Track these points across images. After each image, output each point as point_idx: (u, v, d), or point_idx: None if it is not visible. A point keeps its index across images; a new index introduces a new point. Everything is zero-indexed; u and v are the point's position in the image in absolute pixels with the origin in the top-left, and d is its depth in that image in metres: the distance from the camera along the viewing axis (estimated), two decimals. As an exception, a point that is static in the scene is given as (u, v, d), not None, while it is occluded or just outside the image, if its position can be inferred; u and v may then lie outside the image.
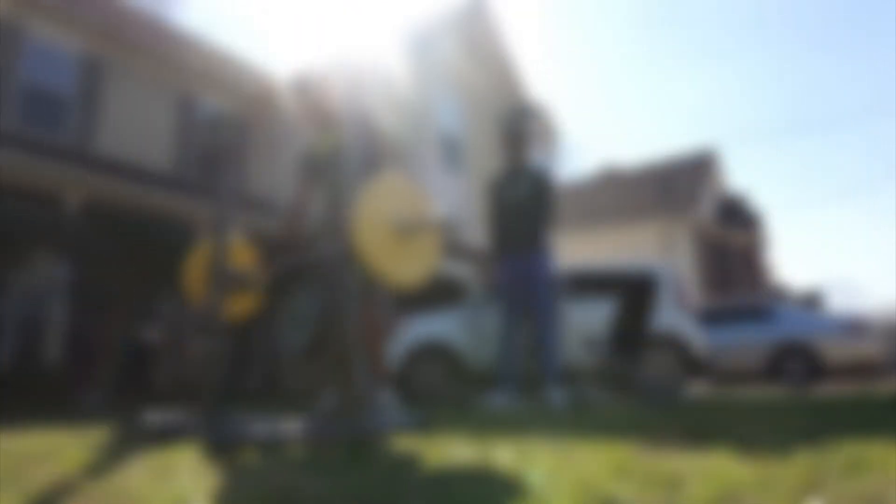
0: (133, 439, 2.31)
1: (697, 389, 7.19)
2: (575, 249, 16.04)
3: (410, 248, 2.33)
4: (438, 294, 6.79)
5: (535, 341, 4.37)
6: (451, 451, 1.93)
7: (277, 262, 2.88)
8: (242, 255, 2.96)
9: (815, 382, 7.91)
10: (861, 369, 8.13)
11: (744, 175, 50.22)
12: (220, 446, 1.95)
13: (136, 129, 9.52)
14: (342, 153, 2.45)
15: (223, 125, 10.79)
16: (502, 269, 4.51)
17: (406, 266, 2.33)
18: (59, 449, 2.05)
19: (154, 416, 2.59)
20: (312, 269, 2.78)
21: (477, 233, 10.58)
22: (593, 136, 49.32)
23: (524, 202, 4.45)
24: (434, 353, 5.68)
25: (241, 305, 2.91)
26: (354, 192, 2.25)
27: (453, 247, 8.77)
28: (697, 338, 5.60)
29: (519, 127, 4.69)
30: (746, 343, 8.36)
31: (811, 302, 16.57)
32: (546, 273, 4.41)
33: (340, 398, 2.30)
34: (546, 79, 50.74)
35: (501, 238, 4.53)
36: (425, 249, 2.42)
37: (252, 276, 2.86)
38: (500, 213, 4.55)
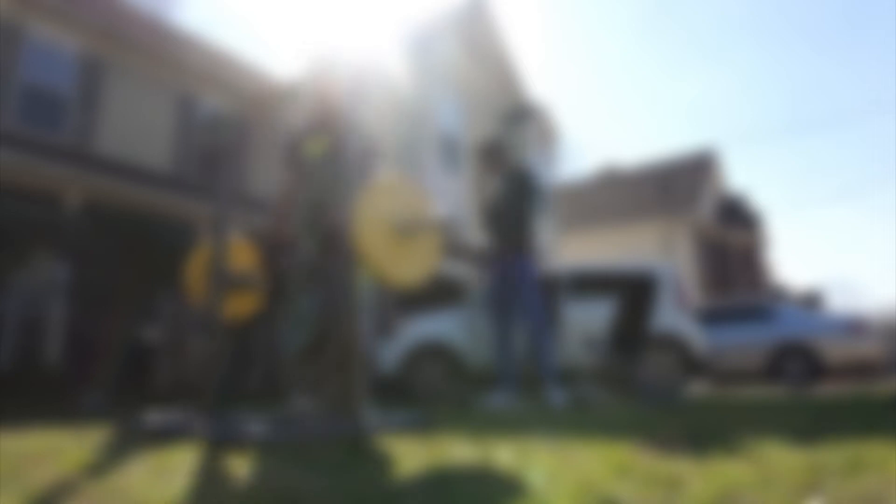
0: (133, 439, 2.31)
1: (697, 389, 7.19)
2: (575, 249, 16.04)
3: (411, 249, 2.34)
4: (438, 294, 6.79)
5: (529, 343, 4.38)
6: (451, 451, 1.93)
7: (286, 263, 2.88)
8: (243, 255, 2.96)
9: (815, 382, 7.90)
10: (861, 369, 8.12)
11: (744, 175, 50.25)
12: (220, 446, 1.95)
13: (136, 129, 9.52)
14: (339, 156, 2.44)
15: (223, 125, 10.78)
16: (491, 272, 4.56)
17: (407, 266, 2.35)
18: (59, 449, 2.05)
19: (154, 416, 2.59)
20: (312, 271, 2.78)
21: (477, 233, 10.58)
22: (593, 136, 49.32)
23: (505, 203, 4.48)
24: (434, 353, 5.68)
25: (242, 305, 2.91)
26: (350, 196, 2.26)
27: (453, 247, 8.77)
28: (697, 338, 5.60)
29: (493, 145, 4.72)
30: (746, 343, 8.35)
31: (811, 302, 16.54)
32: (529, 275, 4.39)
33: (333, 399, 2.30)
34: (546, 79, 50.74)
35: (490, 243, 4.60)
36: (426, 249, 2.44)
37: (252, 276, 2.86)
38: (487, 219, 4.61)
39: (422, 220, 2.41)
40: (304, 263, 2.65)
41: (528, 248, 4.42)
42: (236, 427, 2.20)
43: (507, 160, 4.68)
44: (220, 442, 2.03)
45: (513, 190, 4.48)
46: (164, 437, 2.26)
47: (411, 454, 1.91)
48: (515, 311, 4.42)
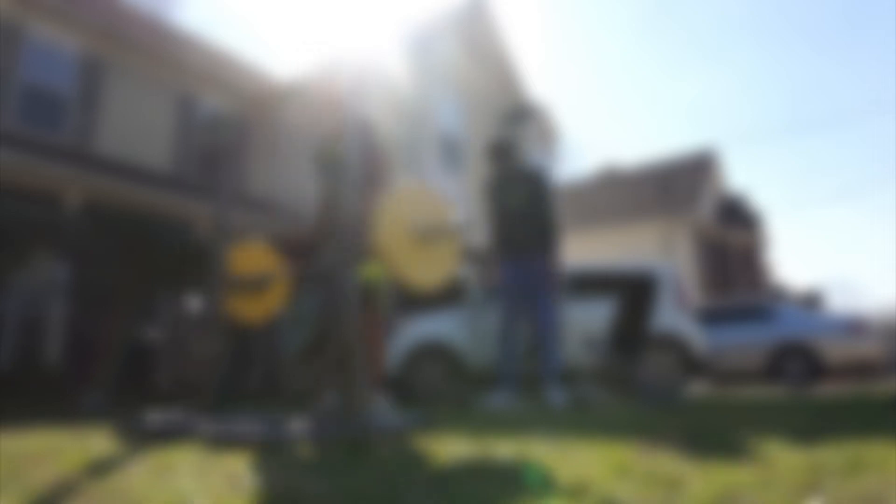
0: (133, 439, 2.31)
1: (697, 389, 7.19)
2: (575, 249, 16.02)
3: (431, 254, 2.43)
4: (438, 294, 6.73)
5: (535, 342, 4.37)
6: (451, 451, 1.93)
7: (302, 266, 2.93)
8: (264, 259, 3.03)
9: (815, 382, 7.90)
10: (861, 369, 8.12)
11: (744, 175, 50.18)
12: (220, 446, 1.95)
13: (136, 129, 9.52)
14: (343, 157, 2.47)
15: (223, 125, 10.78)
16: (505, 271, 4.52)
17: (426, 269, 2.47)
18: (59, 449, 2.05)
19: (154, 416, 2.60)
20: (314, 272, 2.80)
21: (477, 233, 10.56)
22: (593, 136, 49.28)
23: (524, 206, 4.46)
24: (434, 353, 5.68)
25: (262, 306, 2.98)
26: (354, 198, 2.29)
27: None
28: (697, 338, 5.60)
29: (503, 142, 4.73)
30: (746, 343, 8.35)
31: (811, 302, 16.55)
32: (549, 276, 4.42)
33: (341, 398, 2.31)
34: (546, 78, 50.71)
35: (504, 243, 4.55)
36: (445, 254, 2.53)
37: (269, 278, 2.92)
38: (500, 219, 4.57)
39: (443, 227, 2.49)
40: (324, 266, 2.70)
41: (549, 249, 4.45)
42: (236, 427, 2.20)
43: (517, 158, 4.70)
44: (220, 442, 2.03)
45: (532, 191, 4.49)
46: (164, 437, 2.26)
47: (411, 454, 1.91)
48: (525, 310, 4.42)
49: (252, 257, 3.08)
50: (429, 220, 2.46)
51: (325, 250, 2.80)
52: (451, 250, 2.57)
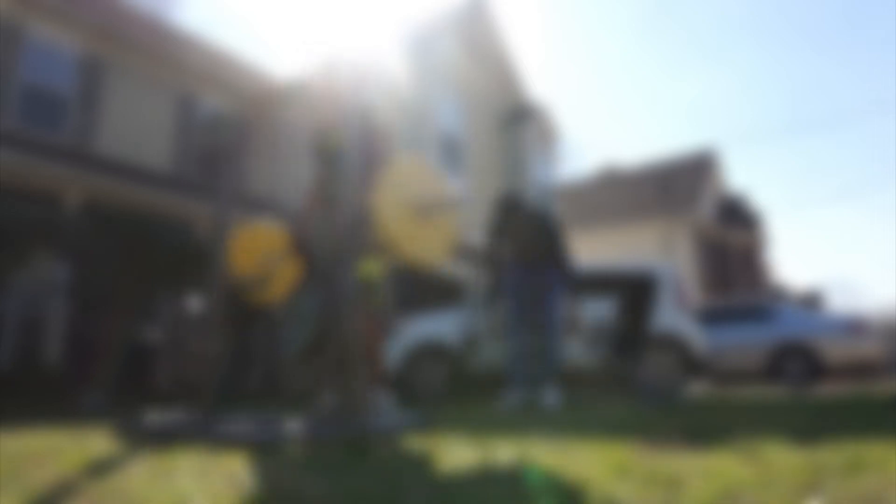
0: (133, 439, 2.31)
1: (697, 389, 7.19)
2: (575, 249, 16.03)
3: (430, 228, 2.40)
4: (438, 294, 6.78)
5: (538, 346, 4.40)
6: (451, 451, 1.92)
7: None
8: (271, 240, 3.01)
9: (815, 382, 7.90)
10: (861, 369, 8.12)
11: (744, 175, 50.16)
12: (220, 446, 1.95)
13: (136, 129, 9.52)
14: (340, 153, 2.47)
15: (223, 125, 10.78)
16: (517, 277, 4.57)
17: (428, 245, 2.43)
18: (59, 449, 2.05)
19: (154, 417, 2.60)
20: (314, 271, 2.80)
21: (477, 233, 10.56)
22: (593, 136, 49.26)
23: (535, 241, 4.58)
24: (434, 353, 5.68)
25: (277, 288, 2.97)
26: (353, 190, 2.29)
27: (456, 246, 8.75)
28: (697, 338, 5.60)
29: (511, 197, 4.83)
30: (746, 343, 8.35)
31: (811, 302, 16.54)
32: (558, 285, 4.49)
33: (340, 398, 2.31)
34: (546, 78, 50.68)
35: (516, 256, 4.62)
36: (444, 228, 2.50)
37: (272, 268, 2.92)
38: (512, 246, 4.67)
39: (439, 200, 2.45)
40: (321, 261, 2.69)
41: (561, 262, 4.52)
42: (236, 427, 2.21)
43: (524, 207, 4.80)
44: (220, 442, 2.03)
45: (541, 229, 4.64)
46: (164, 437, 2.26)
47: (411, 454, 1.91)
48: (532, 315, 4.46)
49: (257, 238, 3.06)
50: (423, 194, 2.42)
51: (320, 224, 2.77)
52: (449, 224, 2.54)
